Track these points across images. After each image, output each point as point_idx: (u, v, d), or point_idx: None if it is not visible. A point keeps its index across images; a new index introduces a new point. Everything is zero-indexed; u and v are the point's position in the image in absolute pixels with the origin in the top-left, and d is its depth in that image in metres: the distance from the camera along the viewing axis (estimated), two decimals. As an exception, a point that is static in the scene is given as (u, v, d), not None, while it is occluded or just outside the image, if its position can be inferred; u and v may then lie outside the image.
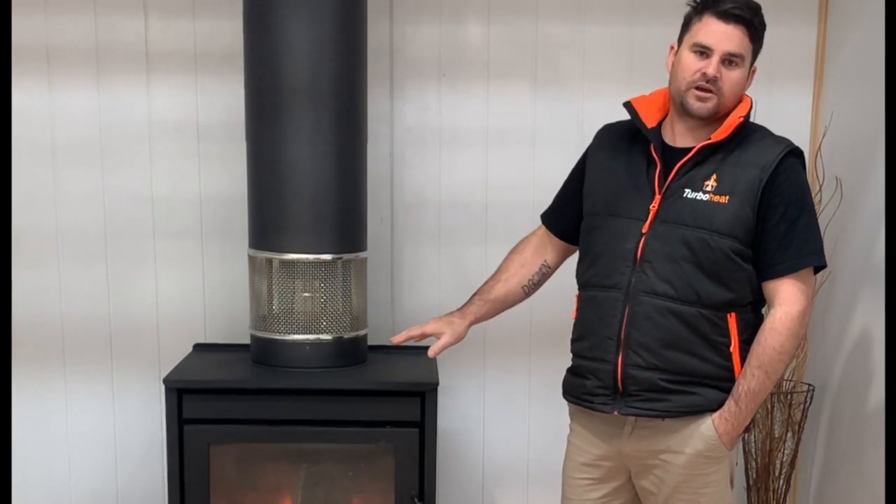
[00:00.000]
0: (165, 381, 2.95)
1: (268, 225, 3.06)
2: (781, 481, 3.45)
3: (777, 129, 3.48)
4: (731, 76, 2.37)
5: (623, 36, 3.39)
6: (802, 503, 3.60)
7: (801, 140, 3.46)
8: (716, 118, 2.41)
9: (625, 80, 3.34)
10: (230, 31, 3.20)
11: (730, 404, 2.38)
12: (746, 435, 3.31)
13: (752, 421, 2.54)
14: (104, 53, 3.36)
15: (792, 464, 3.46)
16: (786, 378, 3.46)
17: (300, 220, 3.04)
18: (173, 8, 3.36)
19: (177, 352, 3.34)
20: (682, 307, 2.38)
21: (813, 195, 3.36)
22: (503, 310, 2.78)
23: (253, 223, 3.11)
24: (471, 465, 3.64)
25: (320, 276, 3.07)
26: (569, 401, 2.62)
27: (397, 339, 2.72)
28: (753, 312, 2.42)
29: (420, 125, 3.48)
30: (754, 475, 3.47)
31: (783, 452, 3.44)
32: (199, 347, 3.39)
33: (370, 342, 3.25)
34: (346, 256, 3.09)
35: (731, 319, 2.39)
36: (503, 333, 3.51)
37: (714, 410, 2.41)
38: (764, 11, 3.44)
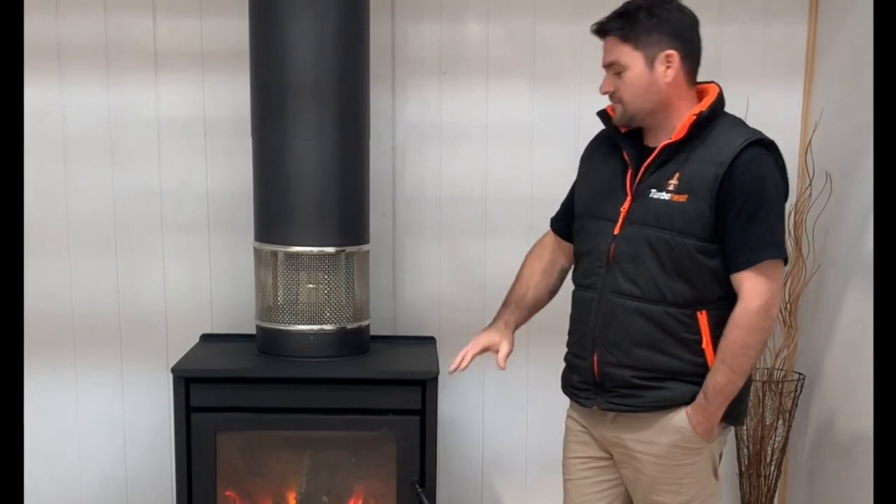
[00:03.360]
0: (173, 370, 2.99)
1: (273, 218, 3.09)
2: (773, 468, 3.49)
3: (768, 125, 3.48)
4: (624, 82, 2.40)
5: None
6: (793, 489, 3.64)
7: (792, 136, 3.50)
8: (663, 119, 2.41)
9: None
10: (236, 31, 3.23)
11: (700, 397, 2.38)
12: (739, 428, 3.32)
13: (737, 416, 2.52)
14: (114, 52, 3.40)
15: (783, 451, 3.50)
16: (777, 367, 3.50)
17: (304, 213, 3.06)
18: (181, 7, 3.39)
19: (184, 342, 3.38)
20: (647, 306, 2.38)
21: (803, 190, 3.43)
22: (535, 314, 2.78)
23: (258, 217, 3.15)
24: (470, 451, 3.67)
25: (324, 268, 3.09)
26: (564, 393, 2.66)
27: (460, 366, 2.61)
28: (729, 308, 2.36)
29: (421, 122, 3.51)
30: (746, 462, 3.51)
31: (774, 440, 3.47)
32: (205, 338, 3.43)
33: (372, 332, 3.28)
34: (349, 249, 3.11)
35: (702, 317, 2.38)
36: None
37: (688, 403, 2.40)
38: (756, 11, 3.50)
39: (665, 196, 2.36)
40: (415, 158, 3.53)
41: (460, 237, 3.55)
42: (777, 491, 3.57)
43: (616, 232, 2.43)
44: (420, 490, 2.95)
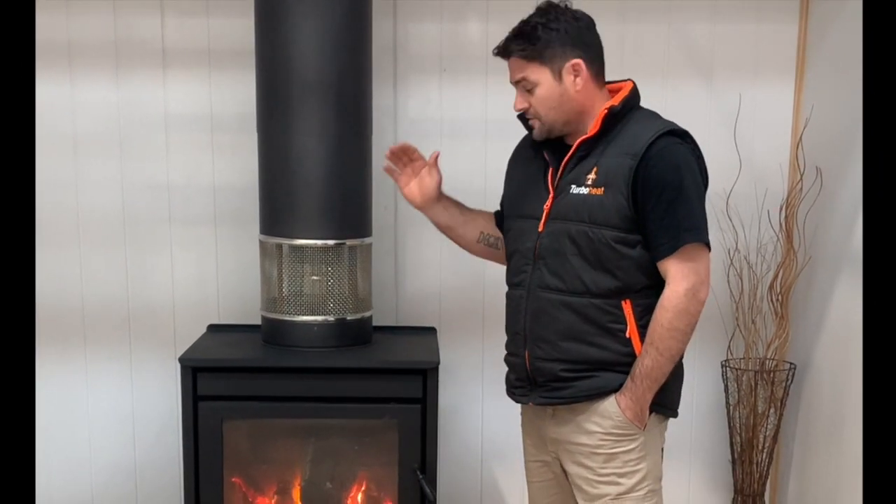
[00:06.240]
0: (181, 359, 3.02)
1: (278, 212, 3.13)
2: (764, 455, 3.54)
3: (761, 121, 3.58)
4: (536, 97, 2.44)
5: (614, 33, 3.36)
6: (784, 475, 3.69)
7: (784, 131, 3.55)
8: (579, 124, 2.44)
9: (615, 75, 3.36)
10: (242, 29, 3.26)
11: (627, 380, 2.41)
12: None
13: (669, 406, 2.52)
14: (123, 49, 3.44)
15: (774, 438, 3.54)
16: (769, 357, 3.55)
17: (308, 207, 3.10)
18: (188, 7, 3.43)
19: (192, 332, 3.43)
20: (572, 299, 2.41)
21: (794, 184, 3.48)
22: (459, 225, 2.81)
23: (264, 210, 3.18)
24: (470, 439, 3.71)
25: (327, 260, 3.13)
26: (507, 394, 2.70)
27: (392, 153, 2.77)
28: (654, 296, 2.39)
29: (422, 118, 3.55)
30: (739, 449, 3.55)
31: (766, 427, 3.52)
32: (212, 328, 3.47)
33: (374, 323, 3.31)
34: (351, 242, 3.15)
35: (626, 306, 2.40)
36: (501, 315, 3.58)
37: (617, 391, 2.43)
38: (748, 11, 3.54)
39: (584, 190, 2.40)
40: (416, 154, 3.58)
41: (461, 230, 3.58)
42: (769, 477, 3.62)
43: (540, 229, 2.46)
44: (421, 477, 2.98)
